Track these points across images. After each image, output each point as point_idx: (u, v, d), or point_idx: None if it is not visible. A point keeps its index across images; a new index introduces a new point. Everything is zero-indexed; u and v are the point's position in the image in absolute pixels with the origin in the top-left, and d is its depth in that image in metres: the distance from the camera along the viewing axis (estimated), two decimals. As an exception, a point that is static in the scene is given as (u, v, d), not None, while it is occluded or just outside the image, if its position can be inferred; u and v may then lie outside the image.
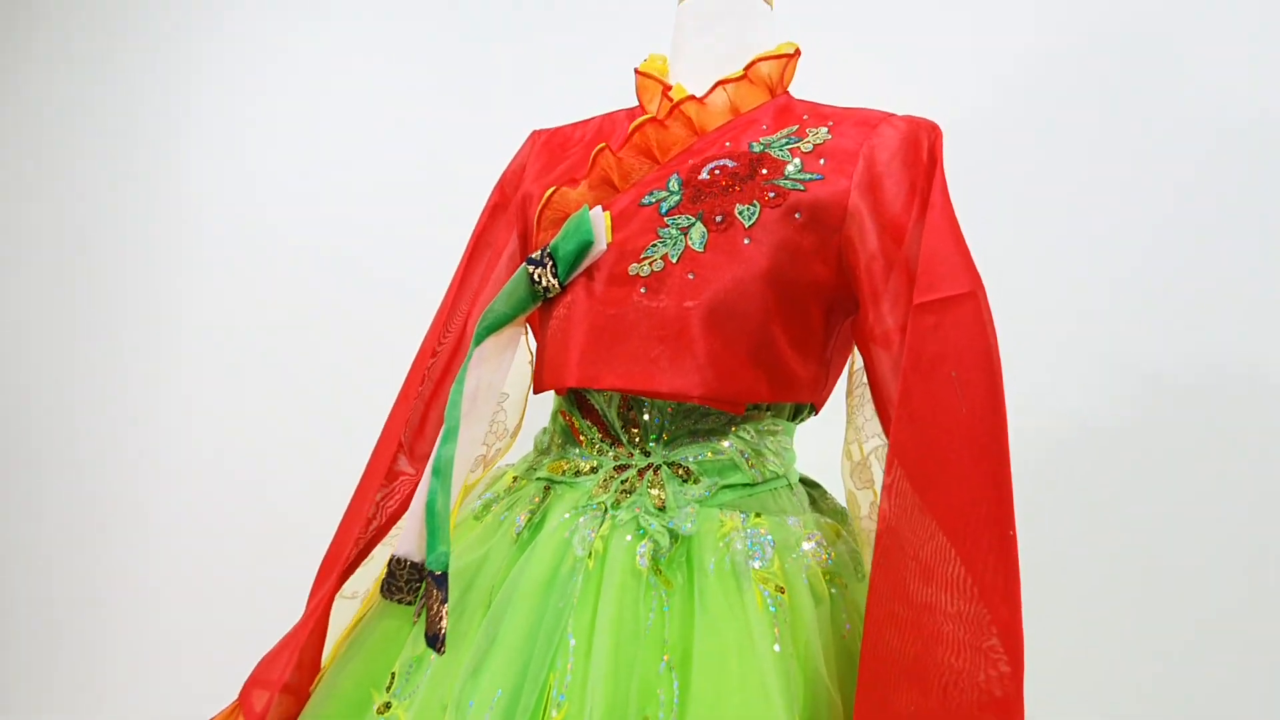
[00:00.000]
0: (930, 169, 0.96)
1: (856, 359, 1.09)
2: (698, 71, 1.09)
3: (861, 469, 1.06)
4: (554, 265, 1.01)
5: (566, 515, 0.97)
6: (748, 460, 0.98)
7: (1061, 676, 1.58)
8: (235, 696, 1.05)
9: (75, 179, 2.26)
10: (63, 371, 2.23)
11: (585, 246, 0.99)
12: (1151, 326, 1.61)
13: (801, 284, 0.97)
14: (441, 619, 0.89)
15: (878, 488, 0.98)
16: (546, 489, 1.02)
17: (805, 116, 1.04)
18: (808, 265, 0.97)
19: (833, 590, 0.95)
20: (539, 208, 1.07)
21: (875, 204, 0.96)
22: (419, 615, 0.94)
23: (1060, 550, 1.61)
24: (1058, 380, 1.64)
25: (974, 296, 0.90)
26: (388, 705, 0.94)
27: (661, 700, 0.83)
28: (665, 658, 0.85)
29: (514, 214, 1.16)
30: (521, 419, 1.24)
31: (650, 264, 0.97)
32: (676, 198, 0.99)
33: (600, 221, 1.00)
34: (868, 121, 1.01)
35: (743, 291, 0.95)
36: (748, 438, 0.99)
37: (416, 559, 0.94)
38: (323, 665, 1.06)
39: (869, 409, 1.03)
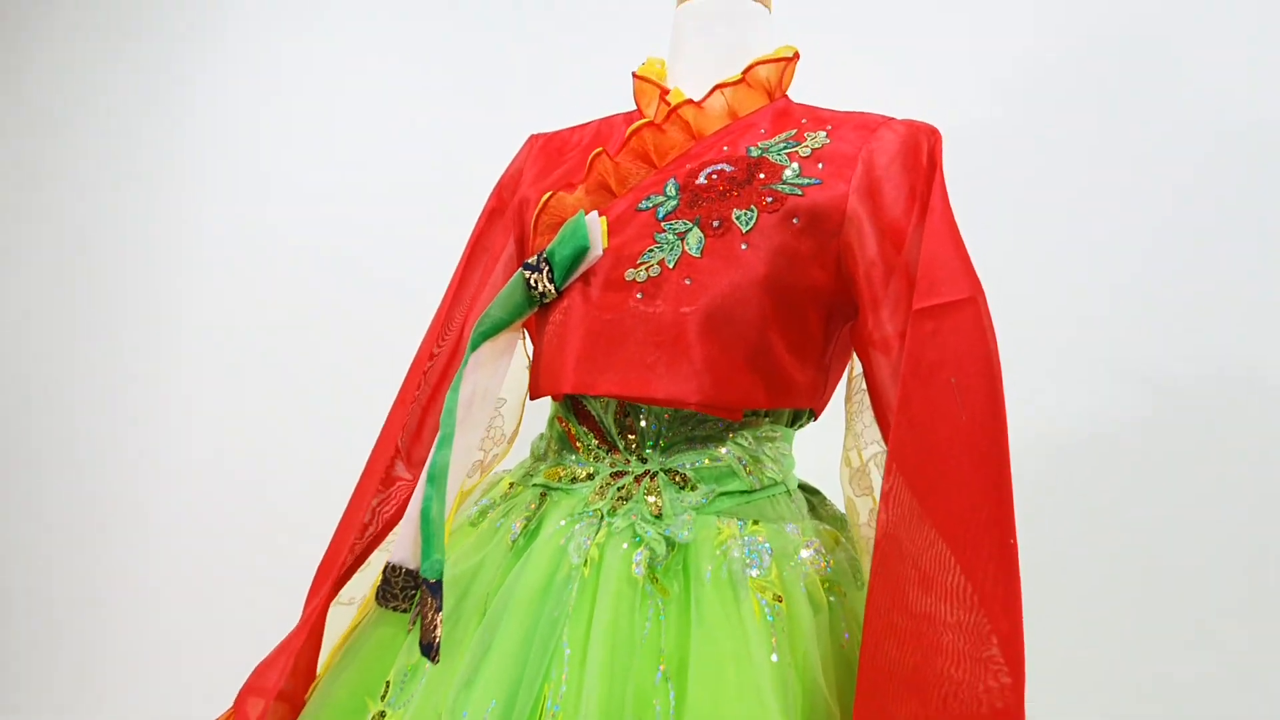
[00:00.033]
0: (930, 173, 0.96)
1: (855, 365, 1.08)
2: (696, 75, 1.08)
3: (860, 475, 1.05)
4: (550, 270, 1.00)
5: (562, 522, 0.96)
6: (745, 467, 0.97)
7: (1061, 676, 1.58)
8: (232, 699, 1.05)
9: (77, 179, 2.26)
10: (63, 371, 2.23)
11: (581, 252, 0.99)
12: (1151, 329, 1.61)
13: (799, 289, 0.96)
14: (436, 627, 0.88)
15: (877, 494, 0.98)
16: (543, 495, 1.01)
17: (804, 120, 1.03)
18: (806, 270, 0.96)
19: (831, 599, 0.95)
20: (535, 212, 1.06)
21: (874, 208, 0.95)
22: (414, 623, 0.93)
23: (1060, 551, 1.61)
24: (1058, 383, 1.64)
25: (974, 302, 0.89)
26: (382, 714, 0.94)
27: (658, 710, 0.82)
28: (661, 667, 0.85)
29: (511, 218, 1.15)
30: (519, 424, 1.23)
31: (647, 269, 0.96)
32: (674, 202, 0.99)
33: (596, 227, 0.99)
34: (867, 125, 1.00)
35: (740, 297, 0.94)
36: (745, 444, 0.98)
37: (411, 566, 0.93)
38: (318, 672, 1.06)
39: (868, 415, 1.02)
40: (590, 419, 1.02)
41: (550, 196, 1.05)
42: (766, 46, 1.10)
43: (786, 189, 0.96)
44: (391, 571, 0.95)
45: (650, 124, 1.03)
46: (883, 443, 0.97)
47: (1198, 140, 1.61)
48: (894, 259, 0.94)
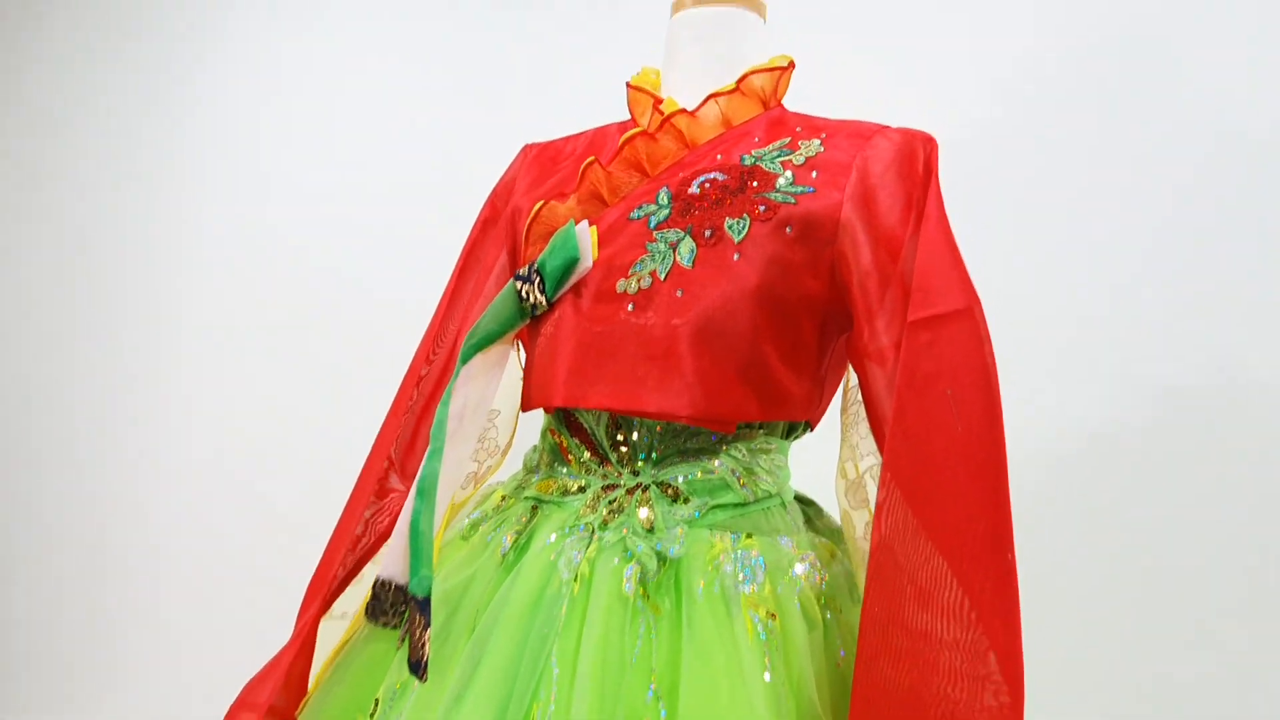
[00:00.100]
0: (926, 181, 0.94)
1: (851, 375, 1.07)
2: (690, 84, 1.07)
3: (856, 488, 1.04)
4: (541, 281, 0.99)
5: (553, 537, 0.94)
6: (739, 479, 0.95)
7: (1061, 676, 1.58)
8: (232, 699, 1.04)
9: (77, 179, 2.26)
10: (63, 371, 2.23)
11: (571, 263, 0.97)
12: (1151, 329, 1.60)
13: (793, 300, 0.95)
14: (424, 645, 0.87)
15: (873, 507, 0.96)
16: (534, 509, 1.00)
17: (798, 129, 1.02)
18: (799, 280, 0.94)
19: (827, 615, 0.93)
20: (527, 222, 1.05)
21: (869, 217, 0.94)
22: (403, 640, 0.92)
23: (1060, 551, 1.61)
24: (1058, 383, 1.64)
25: (970, 312, 0.88)
26: (372, 731, 0.93)
27: None
28: (653, 685, 0.83)
29: (504, 229, 1.14)
30: (513, 435, 1.22)
31: (638, 280, 0.95)
32: (666, 212, 0.97)
33: (586, 237, 0.98)
34: (861, 133, 0.99)
35: (732, 309, 0.92)
36: (739, 456, 0.97)
37: (401, 581, 0.92)
38: (309, 688, 1.04)
39: (863, 427, 1.01)
40: (582, 431, 1.00)
41: (542, 206, 1.04)
42: (761, 55, 1.09)
43: (780, 197, 0.95)
44: (381, 587, 0.93)
45: (643, 133, 1.02)
46: (879, 455, 0.95)
47: (1198, 140, 1.61)
48: (889, 269, 0.92)
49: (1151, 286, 1.61)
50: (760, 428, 0.99)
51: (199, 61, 2.21)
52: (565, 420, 1.02)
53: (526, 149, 1.19)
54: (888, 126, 1.00)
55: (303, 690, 1.04)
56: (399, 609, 0.92)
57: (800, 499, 1.06)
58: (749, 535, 0.93)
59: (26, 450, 2.25)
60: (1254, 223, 1.57)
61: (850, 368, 1.05)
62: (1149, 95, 1.63)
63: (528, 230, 1.05)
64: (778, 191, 0.95)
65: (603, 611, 0.86)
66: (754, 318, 0.93)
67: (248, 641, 1.24)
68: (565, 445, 1.02)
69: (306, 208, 2.10)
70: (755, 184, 0.96)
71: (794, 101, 1.10)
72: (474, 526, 1.05)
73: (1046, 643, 1.18)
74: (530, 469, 1.07)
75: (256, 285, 2.11)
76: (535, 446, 1.09)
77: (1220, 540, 1.56)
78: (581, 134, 1.17)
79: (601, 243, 0.98)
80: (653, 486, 0.95)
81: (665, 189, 0.99)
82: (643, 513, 0.92)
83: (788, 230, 0.94)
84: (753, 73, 1.05)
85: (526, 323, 1.03)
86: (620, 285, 0.96)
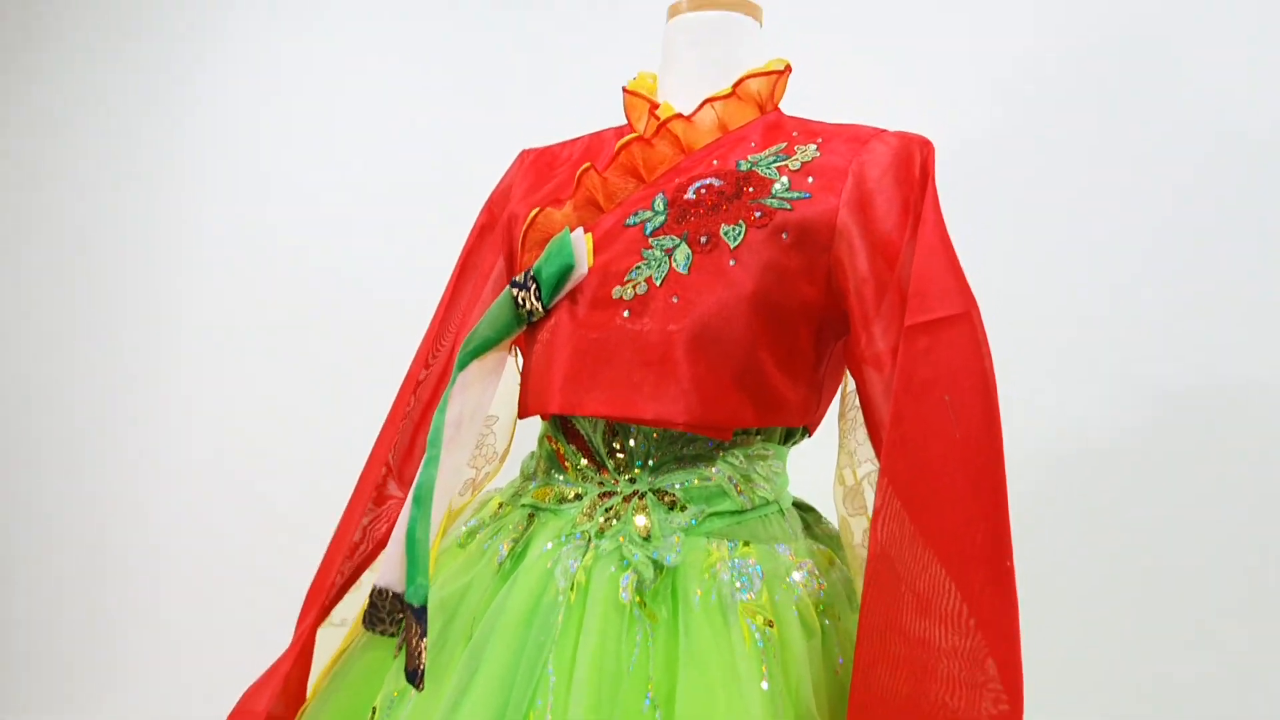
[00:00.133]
0: (922, 185, 0.93)
1: (849, 381, 1.06)
2: (687, 89, 1.06)
3: (854, 495, 1.04)
4: (537, 288, 0.98)
5: (549, 545, 0.94)
6: (736, 486, 0.95)
7: (1061, 676, 1.58)
8: (231, 699, 1.04)
9: (77, 179, 2.26)
10: (63, 371, 2.23)
11: (566, 270, 0.97)
12: (1151, 329, 1.60)
13: (789, 306, 0.94)
14: (420, 654, 0.86)
15: (871, 514, 0.95)
16: (531, 516, 0.99)
17: (795, 133, 1.01)
18: (795, 286, 0.94)
19: (825, 622, 0.93)
20: (523, 229, 1.04)
21: (866, 222, 0.93)
22: (400, 648, 0.91)
23: (1060, 551, 1.61)
24: (1058, 383, 1.64)
25: (968, 318, 0.87)
26: (369, 740, 0.93)
27: None
28: (649, 694, 0.83)
29: (500, 235, 1.13)
30: (511, 441, 1.21)
31: (634, 286, 0.94)
32: (662, 218, 0.97)
33: (581, 244, 0.97)
34: (858, 138, 0.98)
35: (727, 315, 0.92)
36: (736, 463, 0.96)
37: (398, 589, 0.91)
38: (307, 696, 1.04)
39: (861, 432, 1.01)
40: (579, 438, 1.00)
41: (538, 212, 1.03)
42: (757, 60, 1.08)
43: (775, 203, 0.94)
44: (378, 595, 0.93)
45: (639, 138, 1.02)
46: (877, 461, 0.94)
47: (1198, 140, 1.61)
48: (886, 274, 0.92)
49: (1151, 286, 1.61)
50: (757, 434, 0.99)
51: (199, 61, 2.21)
52: (562, 427, 1.02)
53: (523, 154, 1.18)
54: (884, 130, 0.99)
55: (301, 698, 1.04)
56: (396, 617, 0.92)
57: (799, 505, 1.06)
58: (746, 543, 0.92)
59: (26, 450, 2.25)
60: (1254, 223, 1.57)
61: (848, 373, 1.05)
62: (1149, 95, 1.63)
63: (524, 237, 1.04)
64: (774, 197, 0.94)
65: (599, 620, 0.86)
66: (750, 324, 0.92)
67: (248, 642, 1.25)
68: (562, 452, 1.01)
69: (306, 208, 2.10)
70: (751, 190, 0.95)
71: (794, 102, 1.09)
72: (471, 534, 1.04)
73: (1046, 643, 1.18)
74: (527, 476, 1.07)
75: (256, 285, 2.11)
76: (533, 453, 1.08)
77: (1220, 540, 1.56)
78: (578, 139, 1.16)
79: (597, 249, 0.98)
80: (649, 494, 0.94)
81: (661, 195, 0.98)
82: (639, 520, 0.92)
83: (784, 236, 0.93)
84: (749, 77, 1.04)
85: (523, 329, 1.02)
86: (616, 292, 0.95)
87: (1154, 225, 1.62)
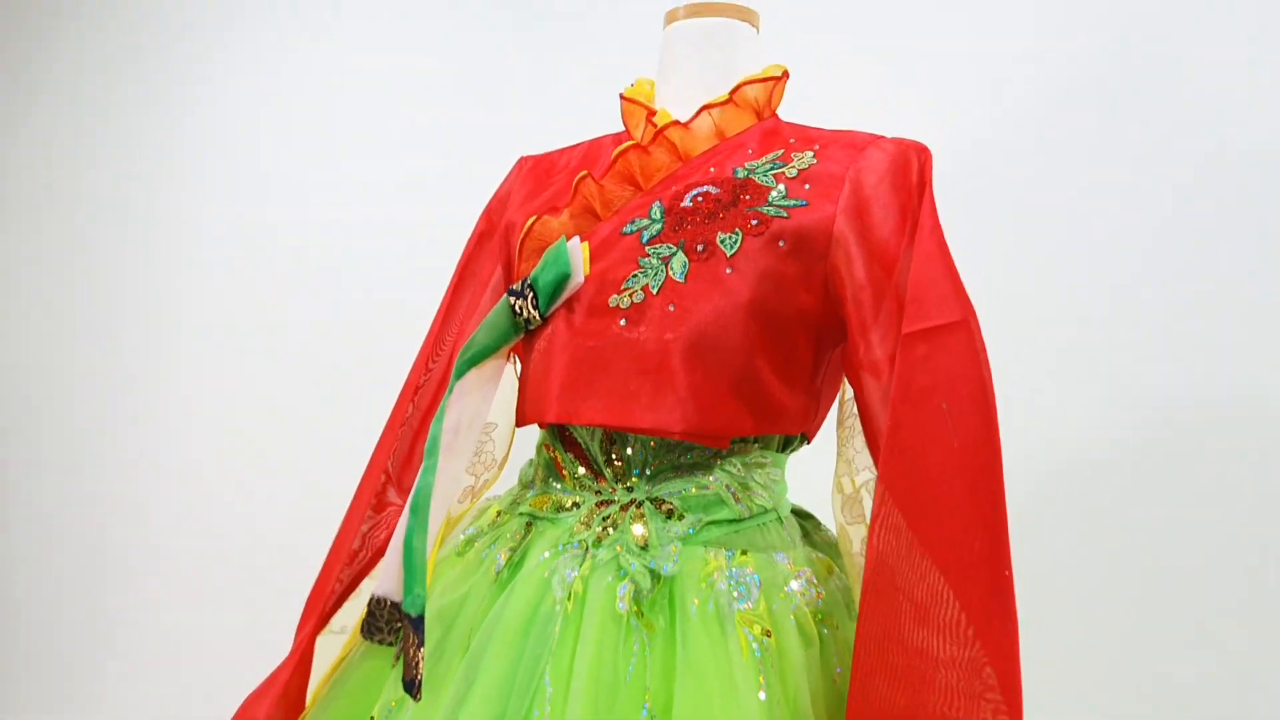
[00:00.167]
0: (920, 192, 0.93)
1: (847, 388, 1.06)
2: (684, 95, 1.06)
3: (853, 503, 1.03)
4: (534, 297, 0.98)
5: (547, 554, 0.94)
6: (734, 495, 0.95)
7: (1061, 676, 1.58)
8: (231, 699, 1.04)
9: (77, 178, 2.26)
10: (63, 371, 2.23)
11: (563, 278, 0.96)
12: (1151, 329, 1.60)
13: (786, 314, 0.94)
14: (418, 664, 0.86)
15: (869, 522, 0.93)
16: (528, 525, 0.99)
17: (792, 140, 1.01)
18: (792, 294, 0.94)
19: (824, 631, 0.93)
20: (521, 237, 1.04)
21: (863, 229, 0.93)
22: (398, 658, 0.91)
23: (1060, 551, 1.61)
24: (1057, 383, 1.64)
25: (966, 325, 0.87)
26: (367, 750, 0.92)
27: None
28: (646, 704, 0.83)
29: (498, 243, 1.13)
30: (510, 449, 1.21)
31: (630, 295, 0.94)
32: (658, 226, 0.96)
33: (578, 253, 0.97)
34: (855, 144, 0.97)
35: (724, 323, 0.91)
36: (734, 471, 0.96)
37: (396, 599, 0.91)
38: (306, 704, 1.04)
39: (859, 440, 1.00)
40: (576, 447, 1.00)
41: (535, 221, 1.03)
42: (755, 66, 1.08)
43: (772, 211, 0.94)
44: (376, 604, 0.93)
45: (636, 146, 1.01)
46: (875, 469, 0.93)
47: (1198, 140, 1.60)
48: (884, 282, 0.91)
49: (1151, 287, 1.61)
50: (755, 442, 0.99)
51: (199, 61, 2.21)
52: (560, 435, 1.02)
53: (521, 161, 1.18)
54: (881, 137, 0.99)
55: (300, 706, 1.04)
56: (394, 626, 0.92)
57: (798, 512, 1.06)
58: (744, 552, 0.92)
59: (26, 450, 2.25)
60: (1254, 223, 1.57)
61: (846, 380, 1.04)
62: (1149, 95, 1.63)
63: (521, 245, 1.04)
64: (770, 205, 0.94)
65: (596, 629, 0.85)
66: (747, 332, 0.92)
67: (247, 642, 1.25)
68: (560, 461, 1.01)
69: (306, 208, 2.10)
70: (748, 197, 0.95)
71: (794, 103, 1.09)
72: (469, 542, 1.04)
73: (1046, 643, 1.18)
74: (525, 484, 1.07)
75: (256, 285, 2.11)
76: (531, 461, 1.08)
77: (1220, 540, 1.56)
78: (576, 146, 1.16)
79: (594, 258, 0.97)
80: (647, 503, 0.94)
81: (658, 203, 0.98)
82: (637, 529, 0.92)
83: (780, 244, 0.93)
84: (746, 83, 1.04)
85: (521, 337, 1.02)
86: (613, 300, 0.95)
87: (1154, 225, 1.61)
